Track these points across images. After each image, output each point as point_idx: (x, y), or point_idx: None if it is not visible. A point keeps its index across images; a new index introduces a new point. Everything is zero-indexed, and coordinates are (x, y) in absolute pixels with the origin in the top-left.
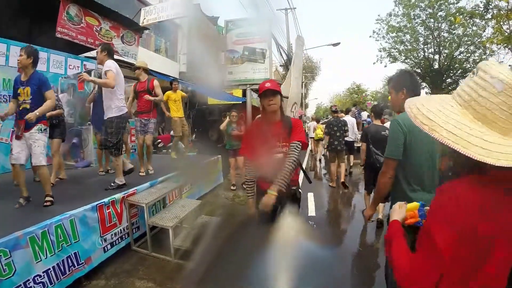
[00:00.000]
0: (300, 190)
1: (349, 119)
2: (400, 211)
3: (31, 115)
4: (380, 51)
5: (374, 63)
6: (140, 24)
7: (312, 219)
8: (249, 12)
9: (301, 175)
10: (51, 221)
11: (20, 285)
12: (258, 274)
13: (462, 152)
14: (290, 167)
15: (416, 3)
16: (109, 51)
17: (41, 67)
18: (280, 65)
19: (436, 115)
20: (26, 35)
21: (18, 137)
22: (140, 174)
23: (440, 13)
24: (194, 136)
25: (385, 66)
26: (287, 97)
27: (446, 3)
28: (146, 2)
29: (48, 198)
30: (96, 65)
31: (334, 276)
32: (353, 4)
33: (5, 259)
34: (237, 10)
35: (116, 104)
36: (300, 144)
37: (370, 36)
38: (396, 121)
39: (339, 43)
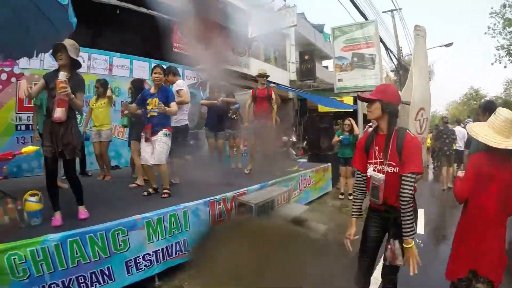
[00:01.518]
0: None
1: (459, 130)
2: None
3: (161, 107)
4: (498, 49)
5: (492, 64)
6: (249, 36)
7: (419, 237)
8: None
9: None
10: (167, 210)
11: (131, 259)
12: None
13: (487, 143)
14: (407, 205)
15: None
16: (174, 72)
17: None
18: (391, 70)
19: (478, 130)
20: (145, 52)
21: (147, 140)
22: (245, 171)
23: None
24: (305, 143)
25: (505, 67)
26: (409, 103)
27: None
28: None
29: (165, 191)
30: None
31: None
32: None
33: (122, 236)
34: (343, 17)
35: (177, 117)
36: (414, 176)
37: (485, 33)
38: None
39: (451, 44)
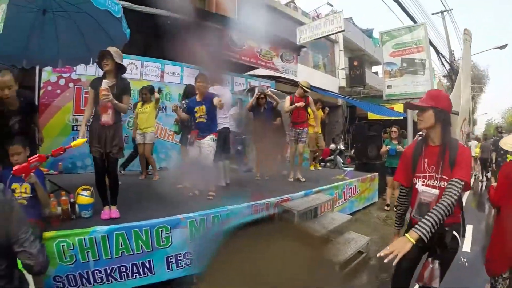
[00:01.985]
0: (455, 233)
1: None
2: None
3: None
4: None
5: None
6: (297, 43)
7: (464, 256)
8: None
9: None
10: (211, 212)
11: (172, 255)
12: None
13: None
14: (442, 211)
15: None
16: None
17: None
18: (443, 76)
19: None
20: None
21: (191, 143)
22: (289, 179)
23: None
24: (352, 151)
25: None
26: (457, 113)
27: None
28: (301, 22)
29: (211, 193)
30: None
31: None
32: None
33: (166, 233)
34: (391, 20)
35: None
36: (462, 182)
37: None
38: None
39: (506, 45)
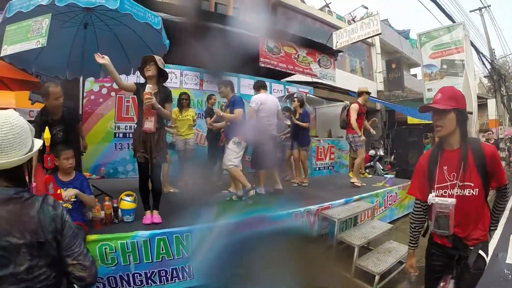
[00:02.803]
0: (482, 253)
1: None
2: None
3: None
4: None
5: None
6: (334, 48)
7: (508, 268)
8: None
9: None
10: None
11: None
12: None
13: None
14: (499, 214)
15: None
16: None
17: (250, 91)
18: (484, 76)
19: None
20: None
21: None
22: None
23: None
24: (393, 157)
25: None
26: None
27: None
28: (337, 26)
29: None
30: (297, 88)
31: None
32: None
33: None
34: (428, 20)
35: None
36: (508, 187)
37: None
38: None
39: None
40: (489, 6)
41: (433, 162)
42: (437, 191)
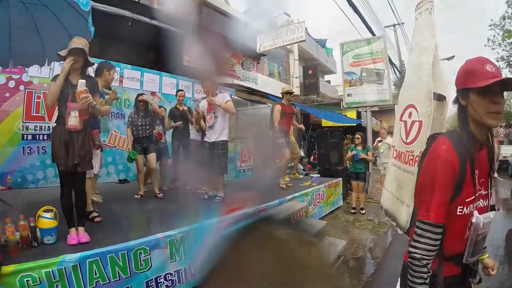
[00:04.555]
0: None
1: None
2: None
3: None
4: (498, 61)
5: None
6: (257, 51)
7: None
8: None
9: None
10: (189, 228)
11: (152, 279)
12: None
13: None
14: None
15: None
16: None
17: (172, 91)
18: (393, 85)
19: None
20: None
21: None
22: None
23: None
24: (312, 158)
25: None
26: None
27: None
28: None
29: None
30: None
31: None
32: (463, 12)
33: (144, 256)
34: (344, 31)
35: (227, 130)
36: None
37: (485, 45)
38: None
39: (453, 57)
40: (403, 23)
41: (464, 166)
42: (469, 206)
